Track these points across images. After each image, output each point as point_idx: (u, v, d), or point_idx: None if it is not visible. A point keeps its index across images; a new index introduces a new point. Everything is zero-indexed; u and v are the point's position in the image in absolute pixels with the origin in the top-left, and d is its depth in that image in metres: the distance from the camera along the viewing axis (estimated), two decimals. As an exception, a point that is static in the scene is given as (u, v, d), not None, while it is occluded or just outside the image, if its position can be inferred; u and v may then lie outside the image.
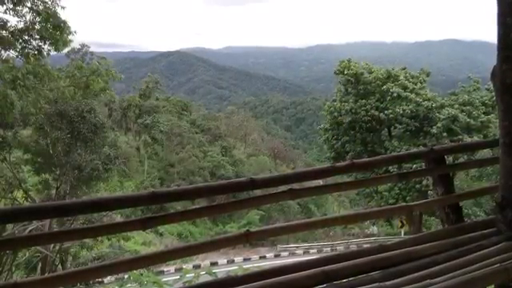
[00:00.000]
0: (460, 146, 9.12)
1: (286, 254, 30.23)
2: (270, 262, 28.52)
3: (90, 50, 18.74)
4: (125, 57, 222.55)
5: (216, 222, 56.09)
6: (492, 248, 2.96)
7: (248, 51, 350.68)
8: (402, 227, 33.98)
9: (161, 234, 42.78)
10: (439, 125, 31.00)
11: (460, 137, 30.53)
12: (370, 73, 35.35)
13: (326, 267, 2.62)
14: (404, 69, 36.28)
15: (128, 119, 60.72)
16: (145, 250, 31.70)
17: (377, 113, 33.87)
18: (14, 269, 16.20)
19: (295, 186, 3.00)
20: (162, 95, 69.57)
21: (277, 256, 29.81)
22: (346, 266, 2.67)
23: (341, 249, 31.50)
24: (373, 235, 39.28)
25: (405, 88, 33.16)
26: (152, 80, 58.33)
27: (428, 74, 35.57)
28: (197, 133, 63.74)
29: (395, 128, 34.58)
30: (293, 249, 31.19)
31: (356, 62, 36.30)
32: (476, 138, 30.19)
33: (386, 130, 36.01)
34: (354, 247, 32.05)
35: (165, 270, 25.64)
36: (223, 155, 61.62)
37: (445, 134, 31.06)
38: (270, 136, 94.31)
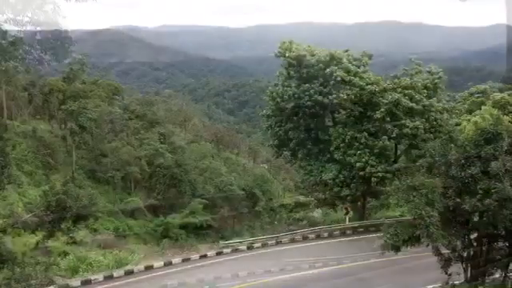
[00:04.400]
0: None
1: (228, 250, 28.24)
2: (211, 261, 26.47)
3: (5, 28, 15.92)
4: (49, 36, 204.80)
5: (157, 213, 53.01)
6: None
7: (185, 30, 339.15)
8: (346, 214, 33.50)
9: (95, 230, 39.14)
10: (382, 109, 30.34)
11: (403, 121, 30.10)
12: (313, 55, 33.98)
13: None
14: (347, 51, 35.30)
15: (51, 105, 54.83)
16: (74, 251, 28.30)
17: (320, 98, 32.66)
18: None
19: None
20: (91, 78, 63.79)
21: (219, 254, 27.79)
22: None
23: (286, 241, 30.25)
24: (316, 222, 38.47)
25: (348, 71, 32.13)
26: (76, 61, 52.73)
27: (370, 57, 34.83)
28: (131, 119, 59.35)
29: (339, 113, 33.60)
30: (236, 244, 29.26)
31: (298, 44, 34.71)
32: (418, 123, 29.96)
33: (330, 115, 35.01)
34: (299, 238, 30.95)
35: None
36: (161, 142, 58.11)
37: (388, 119, 30.51)
38: (212, 120, 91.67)
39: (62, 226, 28.11)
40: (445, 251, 18.98)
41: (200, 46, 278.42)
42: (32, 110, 60.66)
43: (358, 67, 32.98)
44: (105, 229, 40.99)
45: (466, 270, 19.14)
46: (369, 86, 31.04)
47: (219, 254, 27.86)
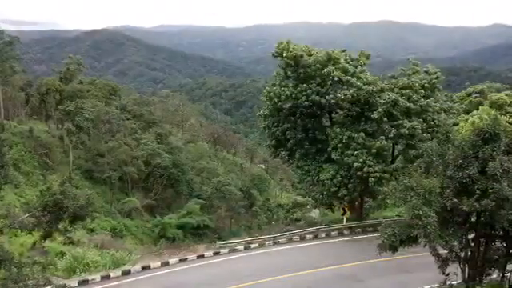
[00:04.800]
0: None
1: (225, 251, 28.13)
2: (208, 262, 26.33)
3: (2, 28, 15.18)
4: (46, 36, 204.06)
5: (154, 213, 52.97)
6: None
7: (183, 30, 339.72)
8: (344, 214, 33.46)
9: (92, 230, 39.03)
10: (380, 110, 30.27)
11: (400, 121, 30.08)
12: (310, 55, 33.92)
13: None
14: (344, 51, 35.23)
15: (48, 105, 54.66)
16: (71, 251, 28.14)
17: (318, 98, 32.59)
18: None
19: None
20: (88, 78, 63.68)
21: (216, 254, 27.65)
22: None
23: (283, 241, 30.18)
24: (314, 222, 38.44)
25: (345, 71, 32.07)
26: (73, 61, 52.60)
27: (368, 57, 34.75)
28: (128, 119, 59.34)
29: (336, 113, 33.58)
30: (233, 244, 29.16)
31: (295, 44, 34.63)
32: (415, 123, 29.95)
33: (327, 115, 34.98)
34: (296, 238, 30.88)
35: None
36: (158, 143, 58.16)
37: (385, 119, 30.47)
38: (209, 120, 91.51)
39: (59, 226, 27.87)
40: (442, 251, 18.99)
41: (197, 45, 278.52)
42: (29, 110, 60.56)
43: (356, 67, 32.88)
44: (102, 229, 40.94)
45: (463, 271, 19.15)
46: (366, 86, 30.94)
47: (216, 254, 27.69)
